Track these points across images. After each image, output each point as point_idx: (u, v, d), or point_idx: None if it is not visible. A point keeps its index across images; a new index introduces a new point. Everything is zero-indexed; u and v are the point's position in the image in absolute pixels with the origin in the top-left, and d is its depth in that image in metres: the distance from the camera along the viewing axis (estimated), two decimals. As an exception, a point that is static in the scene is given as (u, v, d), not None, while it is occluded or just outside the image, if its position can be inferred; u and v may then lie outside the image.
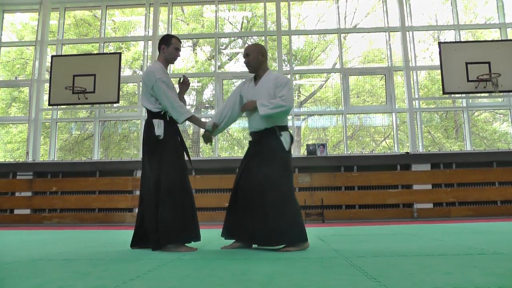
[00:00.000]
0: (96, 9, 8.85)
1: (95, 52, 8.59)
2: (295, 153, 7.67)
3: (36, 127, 7.97)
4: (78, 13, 9.06)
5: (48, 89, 7.83)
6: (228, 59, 9.23)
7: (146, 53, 8.28)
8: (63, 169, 7.59)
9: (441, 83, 7.36)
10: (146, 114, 3.11)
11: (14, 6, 8.81)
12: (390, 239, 2.93)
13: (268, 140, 2.97)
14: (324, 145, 7.44)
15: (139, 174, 7.37)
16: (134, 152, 8.30)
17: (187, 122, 3.09)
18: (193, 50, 9.25)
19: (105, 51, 8.48)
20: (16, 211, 7.45)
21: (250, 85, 3.14)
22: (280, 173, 2.88)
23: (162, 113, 3.03)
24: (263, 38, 8.45)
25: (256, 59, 3.08)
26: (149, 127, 3.01)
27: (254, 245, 3.01)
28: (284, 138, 2.96)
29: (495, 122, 9.00)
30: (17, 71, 8.96)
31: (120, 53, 7.83)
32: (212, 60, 8.71)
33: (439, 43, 7.48)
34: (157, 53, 3.18)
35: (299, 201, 3.00)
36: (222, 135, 8.45)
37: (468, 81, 7.23)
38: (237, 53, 9.15)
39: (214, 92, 8.25)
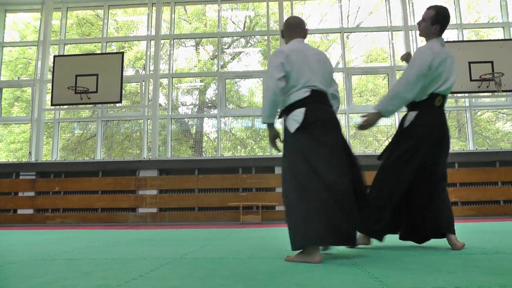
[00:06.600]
0: (99, 8, 8.86)
1: (97, 52, 8.61)
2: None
3: (39, 127, 8.00)
4: (80, 12, 9.08)
5: (50, 89, 7.85)
6: (231, 59, 9.23)
7: (148, 53, 8.27)
8: (66, 169, 7.61)
9: (443, 83, 7.33)
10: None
11: (16, 6, 8.83)
12: (392, 238, 2.92)
13: None
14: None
15: (142, 174, 7.41)
16: (137, 152, 8.31)
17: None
18: (196, 50, 9.25)
19: (107, 51, 8.49)
20: (19, 211, 7.48)
21: None
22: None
23: None
24: (265, 37, 8.45)
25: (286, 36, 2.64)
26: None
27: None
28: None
29: (498, 122, 8.95)
30: (20, 71, 9.00)
31: (122, 53, 7.83)
32: (215, 59, 8.71)
33: (442, 42, 7.44)
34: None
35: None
36: (225, 135, 8.45)
37: (471, 80, 7.20)
38: (240, 53, 9.15)
39: (216, 92, 8.25)
